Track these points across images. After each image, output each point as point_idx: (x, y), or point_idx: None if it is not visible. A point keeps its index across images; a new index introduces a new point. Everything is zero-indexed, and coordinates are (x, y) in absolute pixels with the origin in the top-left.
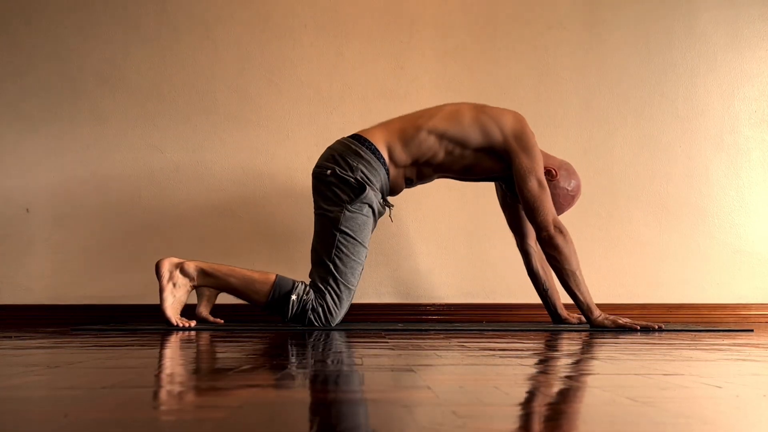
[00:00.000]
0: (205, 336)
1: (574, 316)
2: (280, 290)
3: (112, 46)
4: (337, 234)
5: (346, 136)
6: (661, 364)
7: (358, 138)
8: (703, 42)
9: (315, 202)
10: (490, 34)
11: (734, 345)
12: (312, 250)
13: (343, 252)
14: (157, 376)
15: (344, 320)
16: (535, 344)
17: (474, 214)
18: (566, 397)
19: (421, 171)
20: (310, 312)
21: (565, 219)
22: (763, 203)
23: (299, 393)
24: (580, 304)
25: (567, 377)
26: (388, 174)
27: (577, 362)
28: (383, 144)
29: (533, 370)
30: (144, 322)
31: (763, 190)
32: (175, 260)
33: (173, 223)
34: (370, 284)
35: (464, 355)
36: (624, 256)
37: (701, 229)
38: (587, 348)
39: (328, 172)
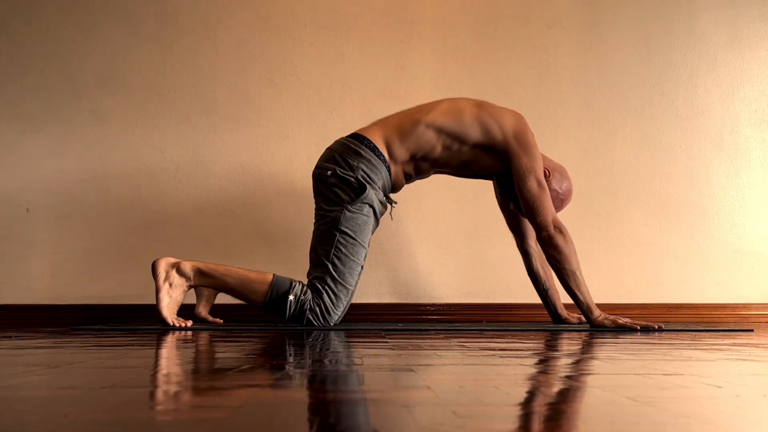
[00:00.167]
0: (204, 336)
1: (574, 316)
2: (278, 290)
3: (112, 46)
4: (337, 234)
5: (345, 135)
6: (661, 364)
7: (356, 137)
8: (703, 42)
9: (316, 203)
10: (490, 34)
11: (734, 345)
12: (311, 250)
13: (342, 252)
14: (157, 376)
15: (344, 320)
16: (535, 344)
17: (474, 214)
18: (566, 397)
19: (418, 166)
20: (308, 312)
21: (566, 219)
22: (763, 203)
23: (299, 393)
24: (580, 304)
25: (567, 377)
26: (389, 171)
27: (577, 362)
28: (382, 141)
29: (533, 370)
30: (144, 321)
31: (763, 190)
32: (172, 260)
33: (173, 223)
34: (370, 284)
35: (464, 355)
36: (624, 256)
37: (701, 229)
38: (587, 348)
39: (329, 172)
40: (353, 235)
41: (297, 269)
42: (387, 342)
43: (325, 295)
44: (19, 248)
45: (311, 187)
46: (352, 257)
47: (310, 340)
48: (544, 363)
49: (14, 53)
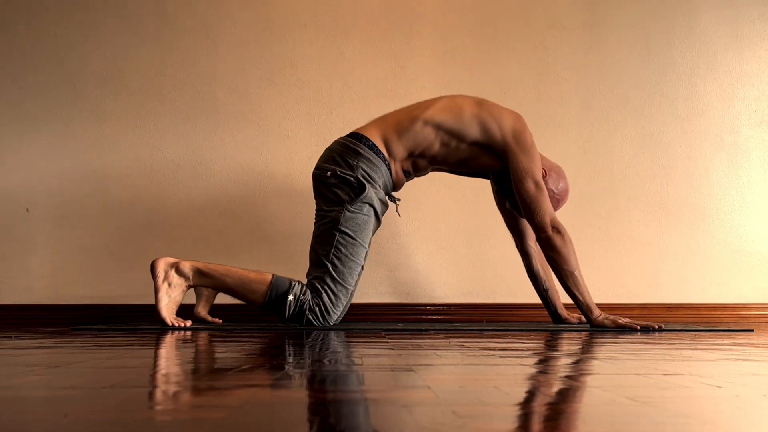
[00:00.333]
0: (203, 336)
1: (574, 316)
2: (277, 290)
3: (112, 46)
4: (337, 234)
5: (343, 135)
6: (661, 364)
7: (355, 136)
8: (703, 42)
9: (316, 203)
10: (490, 34)
11: (734, 345)
12: (311, 250)
13: (342, 252)
14: (157, 376)
15: (344, 320)
16: (535, 344)
17: (474, 214)
18: (566, 397)
19: (416, 163)
20: (307, 312)
21: (566, 219)
22: (763, 203)
23: (299, 393)
24: (579, 304)
25: (567, 377)
26: (389, 169)
27: (577, 362)
28: (380, 139)
29: (533, 370)
30: (144, 321)
31: (763, 190)
32: (171, 260)
33: (173, 222)
34: (370, 284)
35: (464, 355)
36: (624, 256)
37: (701, 229)
38: (587, 348)
39: (329, 173)
40: (353, 235)
41: (297, 269)
42: (387, 342)
43: (324, 295)
44: (19, 248)
45: (311, 186)
46: (351, 257)
47: (310, 340)
48: (544, 363)
49: (14, 53)
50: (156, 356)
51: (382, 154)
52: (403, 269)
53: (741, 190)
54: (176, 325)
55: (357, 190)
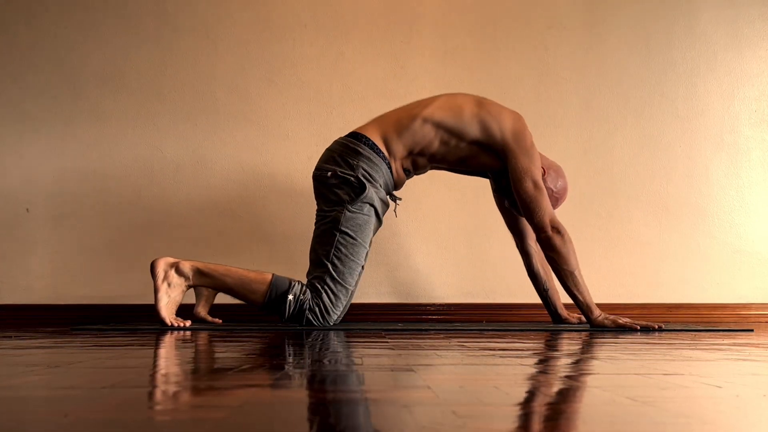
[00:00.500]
0: (203, 336)
1: (575, 316)
2: (277, 290)
3: (112, 46)
4: (337, 234)
5: (343, 135)
6: (661, 364)
7: (354, 135)
8: (703, 42)
9: (317, 204)
10: (490, 34)
11: (734, 345)
12: (311, 251)
13: (342, 252)
14: (156, 376)
15: (344, 320)
16: (535, 344)
17: (474, 214)
18: (566, 397)
19: (416, 161)
20: (307, 311)
21: (566, 219)
22: (763, 203)
23: (299, 393)
24: (579, 304)
25: (567, 377)
26: (390, 168)
27: (577, 362)
28: (380, 138)
29: (533, 370)
30: (144, 321)
31: (763, 190)
32: (171, 260)
33: (173, 222)
34: (370, 284)
35: (464, 355)
36: (624, 256)
37: (701, 229)
38: (587, 348)
39: (329, 173)
40: (353, 235)
41: (297, 269)
42: (387, 342)
43: (324, 294)
44: (19, 248)
45: (311, 186)
46: (352, 257)
47: (310, 340)
48: (544, 363)
49: (14, 53)
50: (156, 356)
51: (383, 153)
52: (403, 269)
53: (741, 190)
54: (176, 325)
55: (357, 189)
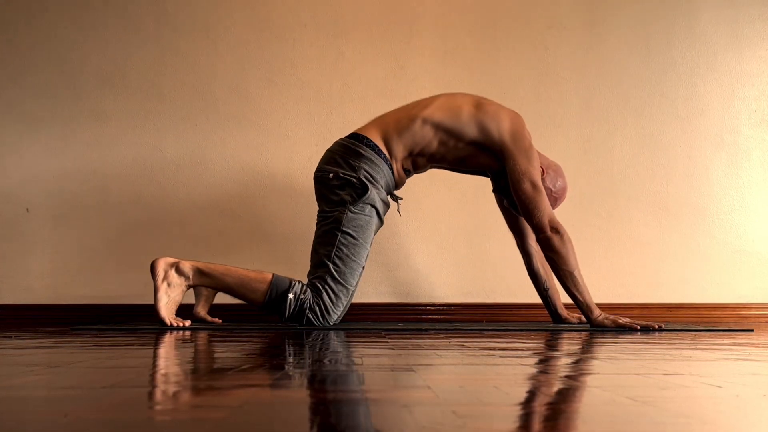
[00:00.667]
0: (203, 336)
1: (575, 316)
2: (277, 289)
3: (112, 46)
4: (339, 234)
5: (344, 136)
6: (661, 363)
7: (356, 137)
8: (703, 42)
9: (318, 205)
10: (490, 34)
11: (734, 345)
12: (312, 252)
13: (343, 252)
14: (156, 376)
15: (344, 320)
16: (535, 344)
17: (474, 214)
18: (566, 396)
19: (416, 161)
20: (307, 311)
21: (566, 219)
22: (763, 203)
23: (299, 393)
24: (579, 304)
25: (567, 377)
26: (391, 168)
27: (577, 362)
28: (380, 139)
29: (533, 370)
30: (144, 321)
31: (763, 190)
32: (171, 260)
33: (173, 222)
34: (370, 284)
35: (464, 355)
36: (624, 256)
37: (701, 229)
38: (587, 348)
39: (330, 175)
40: (355, 236)
41: (297, 269)
42: (387, 342)
43: (324, 294)
44: (19, 248)
45: (311, 186)
46: (353, 257)
47: (310, 340)
48: (544, 363)
49: (14, 53)
50: (156, 356)
51: (384, 154)
52: (403, 269)
53: (741, 190)
54: (175, 324)
55: (360, 191)
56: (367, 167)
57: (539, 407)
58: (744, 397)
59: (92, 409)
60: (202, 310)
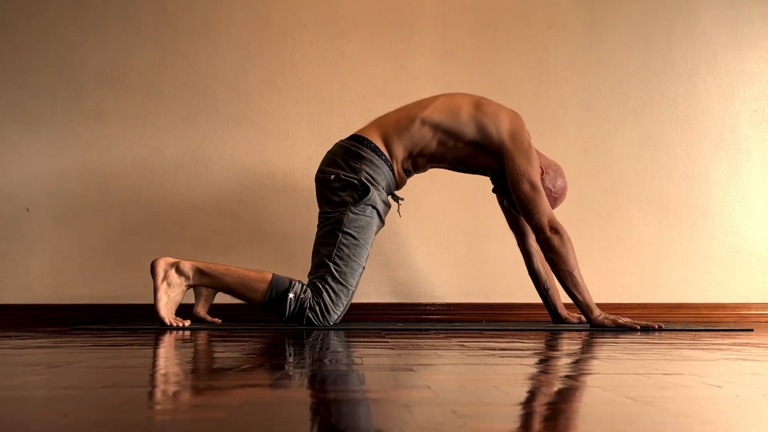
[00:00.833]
0: (203, 336)
1: (575, 316)
2: (277, 289)
3: (112, 46)
4: (340, 235)
5: (345, 137)
6: (661, 363)
7: (356, 138)
8: (703, 42)
9: (319, 207)
10: (490, 34)
11: (734, 345)
12: (313, 253)
13: (344, 252)
14: (156, 375)
15: (344, 320)
16: (535, 344)
17: (474, 214)
18: (566, 396)
19: (416, 161)
20: (307, 310)
21: (566, 219)
22: (763, 203)
23: (299, 392)
24: (579, 304)
25: (567, 377)
26: (392, 169)
27: (577, 362)
28: (380, 140)
29: (533, 370)
30: (144, 321)
31: (763, 190)
32: (171, 260)
33: (173, 222)
34: (370, 284)
35: (464, 355)
36: (624, 256)
37: (701, 229)
38: (587, 348)
39: (332, 177)
40: (356, 236)
41: (297, 269)
42: (387, 342)
43: (324, 294)
44: (19, 248)
45: (311, 186)
46: (353, 258)
47: (310, 339)
48: (544, 363)
49: (14, 53)
50: (156, 356)
51: (384, 155)
52: (403, 269)
53: (741, 190)
54: (175, 324)
55: (361, 192)
56: (367, 169)
57: (539, 407)
58: (744, 397)
59: (92, 409)
60: (202, 310)
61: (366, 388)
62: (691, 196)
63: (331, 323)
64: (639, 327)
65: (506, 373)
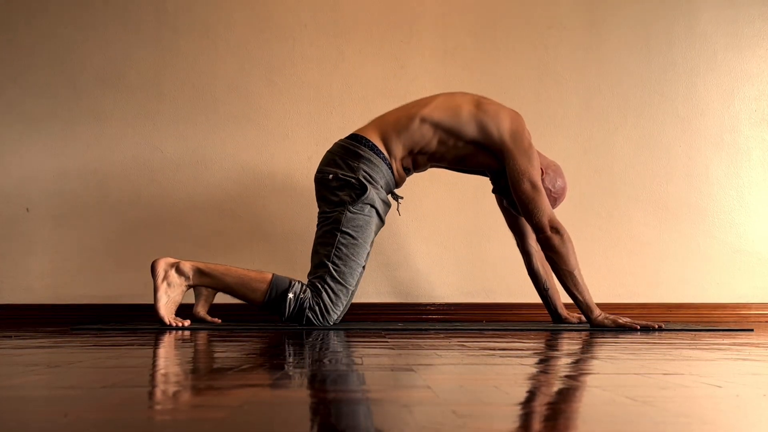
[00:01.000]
0: (203, 336)
1: (575, 316)
2: (277, 289)
3: (112, 46)
4: (338, 234)
5: (343, 137)
6: (661, 363)
7: (355, 137)
8: (703, 42)
9: (319, 207)
10: (490, 34)
11: (734, 345)
12: (313, 253)
13: (343, 252)
14: (156, 375)
15: (344, 320)
16: (535, 344)
17: (474, 214)
18: (566, 396)
19: (415, 160)
20: (307, 310)
21: (566, 219)
22: (763, 203)
23: (299, 392)
24: (579, 304)
25: (567, 377)
26: (390, 168)
27: (577, 362)
28: (379, 138)
29: (533, 370)
30: (144, 321)
31: (763, 190)
32: (171, 260)
33: (173, 222)
34: (370, 284)
35: (464, 355)
36: (624, 256)
37: (701, 229)
38: (587, 347)
39: (330, 176)
40: (354, 236)
41: (296, 269)
42: (387, 342)
43: (324, 294)
44: (19, 248)
45: (311, 186)
46: (352, 257)
47: (310, 339)
48: (544, 363)
49: (14, 53)
50: (155, 356)
51: (383, 154)
52: (403, 269)
53: (741, 190)
54: (175, 324)
55: (359, 191)
56: (365, 167)
57: (539, 407)
58: (744, 397)
59: (92, 409)
60: (201, 310)
61: (366, 388)
62: (691, 196)
63: (331, 323)
64: (639, 327)
65: (506, 373)
